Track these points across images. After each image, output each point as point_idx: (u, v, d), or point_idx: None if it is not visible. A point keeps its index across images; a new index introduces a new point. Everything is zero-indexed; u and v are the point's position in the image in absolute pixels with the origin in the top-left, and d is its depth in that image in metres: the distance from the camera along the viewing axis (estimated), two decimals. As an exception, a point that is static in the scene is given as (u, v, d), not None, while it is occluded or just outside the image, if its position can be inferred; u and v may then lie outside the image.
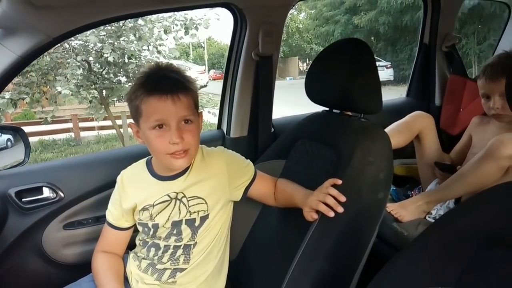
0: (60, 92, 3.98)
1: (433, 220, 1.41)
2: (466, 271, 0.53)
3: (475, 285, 0.51)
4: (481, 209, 0.61)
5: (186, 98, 0.92)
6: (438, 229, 0.65)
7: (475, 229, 0.58)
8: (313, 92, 1.17)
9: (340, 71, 1.07)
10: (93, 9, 1.13)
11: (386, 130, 1.53)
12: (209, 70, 21.07)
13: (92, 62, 4.33)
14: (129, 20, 4.04)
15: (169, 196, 0.99)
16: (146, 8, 1.27)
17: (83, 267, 1.08)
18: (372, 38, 15.25)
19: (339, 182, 0.90)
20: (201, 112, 1.01)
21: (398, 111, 1.79)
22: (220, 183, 1.02)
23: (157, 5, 1.27)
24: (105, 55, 3.89)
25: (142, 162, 1.06)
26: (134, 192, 1.02)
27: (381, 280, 0.62)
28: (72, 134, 7.82)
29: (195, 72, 11.27)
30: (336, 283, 0.92)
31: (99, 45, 4.06)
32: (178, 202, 0.99)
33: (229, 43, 1.56)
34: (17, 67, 1.13)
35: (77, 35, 3.82)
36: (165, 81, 0.90)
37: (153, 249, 1.01)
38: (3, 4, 0.99)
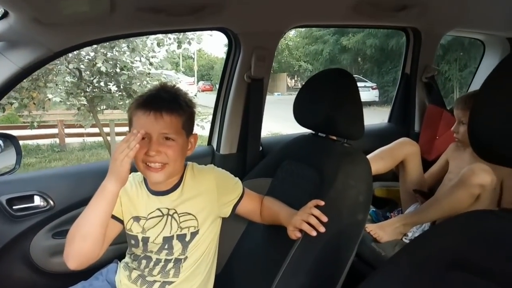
0: (50, 99, 3.96)
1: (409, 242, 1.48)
2: None
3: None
4: (447, 234, 0.66)
5: (169, 117, 0.95)
6: (410, 249, 0.70)
7: (442, 252, 0.63)
8: (300, 115, 1.24)
9: (326, 98, 1.14)
10: (95, 28, 1.18)
11: (370, 155, 1.60)
12: (198, 81, 21.08)
13: (83, 70, 4.33)
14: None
15: (161, 211, 1.02)
16: (145, 29, 1.33)
17: (70, 277, 1.09)
18: (359, 59, 15.60)
19: (322, 203, 0.96)
20: (196, 134, 1.05)
21: (380, 136, 1.87)
22: (209, 200, 1.06)
23: (156, 27, 1.33)
24: (98, 65, 3.90)
25: (141, 174, 1.07)
26: (128, 201, 1.03)
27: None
28: (57, 140, 7.70)
29: (185, 84, 11.25)
30: (316, 299, 0.97)
31: (92, 54, 4.07)
32: (169, 218, 1.02)
33: (218, 55, 1.65)
34: (17, 79, 1.16)
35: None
36: (154, 99, 0.97)
37: (144, 261, 1.04)
38: (10, 19, 1.03)
